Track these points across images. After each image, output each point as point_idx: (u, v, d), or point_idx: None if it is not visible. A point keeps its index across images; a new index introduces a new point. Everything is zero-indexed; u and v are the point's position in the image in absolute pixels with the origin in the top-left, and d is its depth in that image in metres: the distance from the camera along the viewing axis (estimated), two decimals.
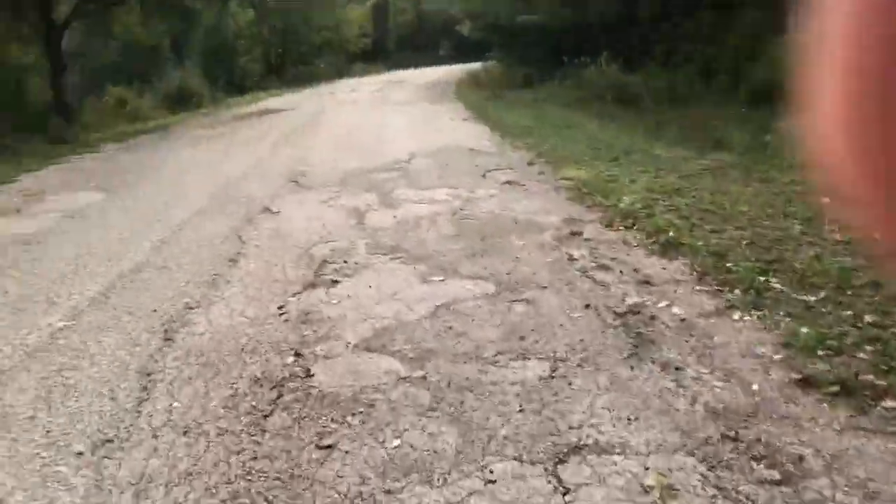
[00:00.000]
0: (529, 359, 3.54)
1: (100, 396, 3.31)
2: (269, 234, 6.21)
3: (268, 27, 42.19)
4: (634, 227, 5.91)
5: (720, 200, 6.56)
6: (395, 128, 14.32)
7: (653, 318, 4.00)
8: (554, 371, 3.40)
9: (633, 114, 16.41)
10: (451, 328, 3.95)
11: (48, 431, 3.00)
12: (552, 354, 3.57)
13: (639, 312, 4.09)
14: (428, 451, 2.76)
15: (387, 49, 52.40)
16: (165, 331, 4.11)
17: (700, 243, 5.32)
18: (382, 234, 6.07)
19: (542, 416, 3.00)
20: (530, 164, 9.33)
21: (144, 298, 4.70)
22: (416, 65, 47.21)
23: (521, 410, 3.05)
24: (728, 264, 4.81)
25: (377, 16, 52.23)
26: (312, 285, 4.81)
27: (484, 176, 8.65)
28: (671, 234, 5.54)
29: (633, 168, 8.54)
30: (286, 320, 4.18)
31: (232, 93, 31.65)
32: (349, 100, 23.54)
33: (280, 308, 4.39)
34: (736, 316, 3.98)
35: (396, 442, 2.82)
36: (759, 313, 3.99)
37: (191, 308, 4.47)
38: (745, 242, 5.29)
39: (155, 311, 4.45)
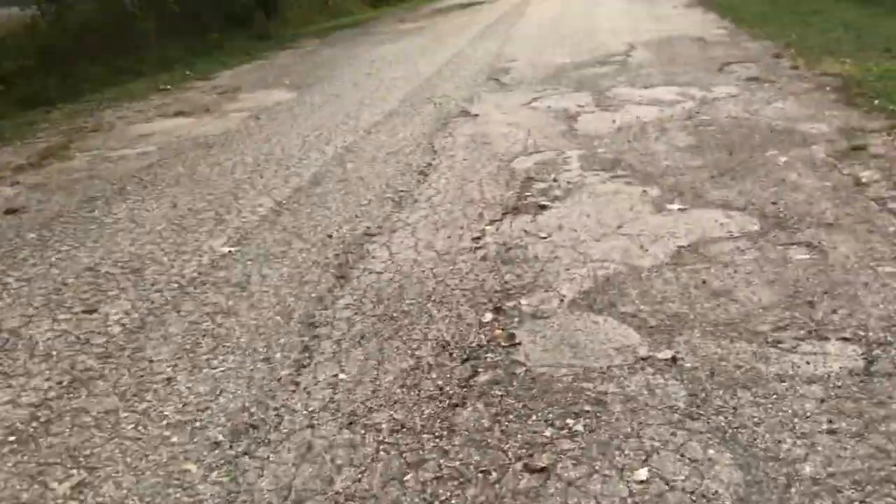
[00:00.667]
0: (828, 338, 2.43)
1: (252, 356, 2.64)
2: (465, 143, 5.33)
3: None
4: None
5: None
6: (607, 18, 12.79)
7: None
8: (871, 363, 2.28)
9: None
10: (704, 282, 2.90)
11: (184, 405, 2.37)
12: (862, 334, 2.44)
13: None
14: (692, 493, 1.81)
15: None
16: (339, 265, 3.38)
17: None
18: (599, 144, 5.00)
19: (869, 443, 1.94)
20: (777, 56, 7.71)
21: (320, 218, 4.02)
22: None
23: (830, 431, 2.00)
24: None
25: None
26: (515, 210, 3.89)
27: (720, 70, 7.22)
28: None
29: None
30: (483, 258, 3.32)
31: None
32: None
33: (475, 240, 3.53)
34: None
35: (643, 473, 1.89)
36: None
37: (370, 235, 3.72)
38: None
39: (330, 236, 3.75)
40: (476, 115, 6.18)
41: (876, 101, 5.44)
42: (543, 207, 3.89)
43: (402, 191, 4.38)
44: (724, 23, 10.80)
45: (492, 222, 3.74)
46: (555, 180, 4.31)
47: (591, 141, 5.07)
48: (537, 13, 15.08)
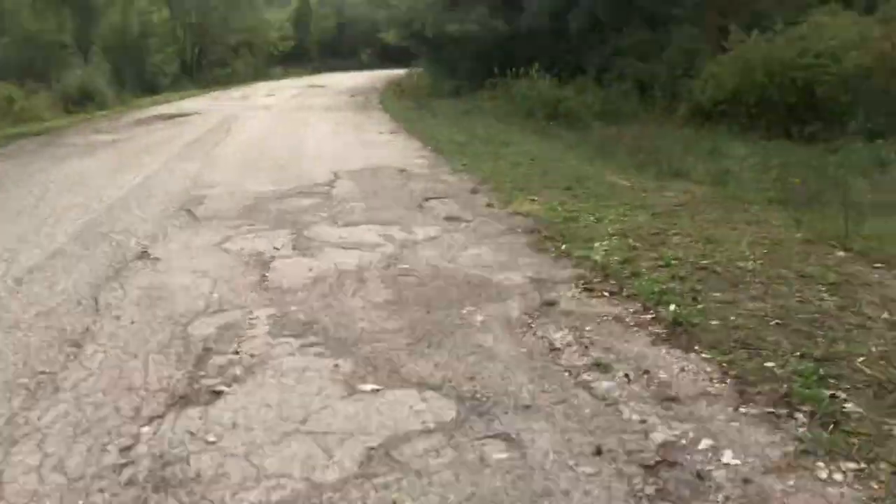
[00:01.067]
0: None
1: None
2: (138, 298, 4.59)
3: (183, 26, 39.94)
4: (622, 293, 4.58)
5: (713, 252, 5.32)
6: (315, 141, 12.75)
7: (700, 476, 2.63)
8: None
9: (571, 131, 15.35)
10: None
11: None
12: None
13: (675, 464, 2.71)
14: None
15: (308, 53, 50.63)
16: None
17: (715, 322, 4.03)
18: (292, 299, 4.54)
19: None
20: (473, 191, 7.96)
21: None
22: (338, 69, 45.86)
23: None
24: (769, 364, 3.51)
25: (299, 20, 50.34)
26: (183, 399, 3.24)
27: (420, 207, 7.23)
28: (674, 307, 4.22)
29: (593, 201, 7.27)
30: (129, 481, 2.62)
31: (142, 93, 29.39)
32: (265, 105, 21.82)
33: (125, 451, 2.82)
34: (822, 473, 2.64)
35: None
36: (853, 466, 2.67)
37: None
38: (773, 322, 4.02)
39: None
40: (158, 259, 5.45)
41: (563, 247, 5.63)
42: (218, 394, 3.29)
43: (42, 372, 3.53)
44: (425, 152, 11.15)
45: (151, 420, 3.06)
46: (237, 352, 3.74)
47: (284, 296, 4.60)
48: (244, 131, 14.71)
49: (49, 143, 13.76)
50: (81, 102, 22.68)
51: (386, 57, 43.62)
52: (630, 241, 5.62)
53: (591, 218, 6.46)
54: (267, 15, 46.08)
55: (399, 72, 34.61)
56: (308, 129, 14.80)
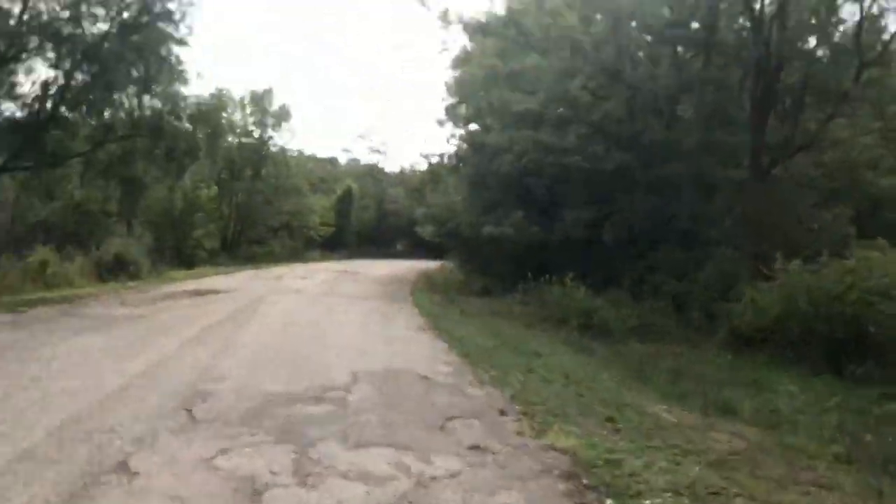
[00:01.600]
0: None
1: None
2: None
3: (229, 204, 41.39)
4: None
5: None
6: (340, 332, 12.26)
7: None
8: None
9: (604, 344, 14.75)
10: None
11: None
12: None
13: None
14: None
15: (346, 239, 52.03)
16: None
17: None
18: None
19: None
20: (502, 413, 7.19)
21: None
22: (374, 256, 46.84)
23: None
24: None
25: (341, 207, 52.24)
26: None
27: (442, 427, 6.47)
28: None
29: (638, 439, 6.48)
30: None
31: (178, 266, 29.82)
32: (297, 287, 21.69)
33: None
34: None
35: None
36: None
37: None
38: None
39: None
40: (136, 475, 4.72)
41: (606, 500, 4.81)
42: None
43: None
44: (451, 357, 10.49)
45: None
46: None
47: None
48: (270, 315, 14.31)
49: (67, 313, 13.42)
50: (115, 271, 22.82)
51: (421, 247, 44.56)
52: (686, 501, 4.80)
53: (638, 463, 5.65)
54: (311, 200, 47.75)
55: (432, 264, 34.94)
56: (335, 317, 14.40)
